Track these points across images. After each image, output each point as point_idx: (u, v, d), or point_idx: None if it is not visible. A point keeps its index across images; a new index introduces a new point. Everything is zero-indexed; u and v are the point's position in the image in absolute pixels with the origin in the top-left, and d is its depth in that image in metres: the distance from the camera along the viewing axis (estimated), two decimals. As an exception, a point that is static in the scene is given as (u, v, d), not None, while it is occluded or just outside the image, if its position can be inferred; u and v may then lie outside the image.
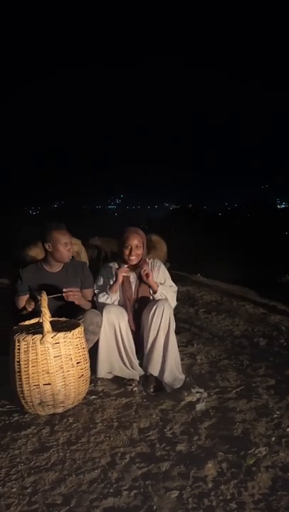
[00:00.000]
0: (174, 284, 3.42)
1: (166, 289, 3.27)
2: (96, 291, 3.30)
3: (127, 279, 3.30)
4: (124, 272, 3.20)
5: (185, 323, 4.79)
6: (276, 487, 2.11)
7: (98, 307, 3.20)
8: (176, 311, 3.50)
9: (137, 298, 3.29)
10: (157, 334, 3.12)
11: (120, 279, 3.19)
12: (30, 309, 3.09)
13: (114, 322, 3.10)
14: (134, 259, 3.26)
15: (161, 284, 3.29)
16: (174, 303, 3.31)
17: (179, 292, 3.76)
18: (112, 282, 3.25)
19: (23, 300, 3.15)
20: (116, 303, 3.25)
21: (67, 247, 3.16)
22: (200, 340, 4.23)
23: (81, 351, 2.79)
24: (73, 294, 3.07)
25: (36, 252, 5.25)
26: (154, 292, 3.24)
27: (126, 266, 3.24)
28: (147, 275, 3.15)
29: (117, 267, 3.34)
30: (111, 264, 3.40)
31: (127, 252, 3.25)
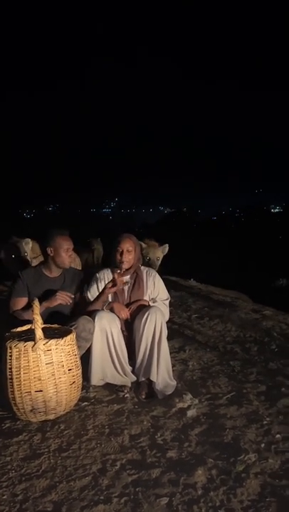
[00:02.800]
0: (167, 295, 3.46)
1: (158, 306, 3.31)
2: (89, 298, 3.33)
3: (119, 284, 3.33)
4: (112, 289, 3.19)
5: (178, 329, 4.82)
6: (265, 493, 2.13)
7: (90, 313, 3.23)
8: (169, 317, 3.53)
9: (129, 304, 3.32)
10: (150, 341, 3.15)
11: (107, 292, 3.20)
12: (28, 317, 3.11)
13: (106, 328, 3.12)
14: (125, 264, 3.29)
15: (153, 298, 3.36)
16: (167, 315, 3.36)
17: (172, 297, 3.79)
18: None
19: (21, 302, 3.20)
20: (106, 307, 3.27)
21: (69, 252, 3.27)
22: (192, 346, 4.26)
23: (73, 358, 2.81)
24: (64, 298, 3.12)
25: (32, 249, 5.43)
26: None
27: (118, 271, 3.26)
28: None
29: (109, 273, 3.38)
30: (104, 271, 3.43)
31: (118, 255, 3.29)
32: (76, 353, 2.88)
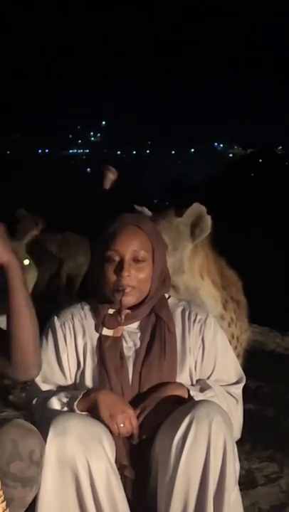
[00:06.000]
0: (238, 374, 1.49)
1: (215, 399, 1.36)
2: (38, 385, 1.44)
3: (114, 343, 1.42)
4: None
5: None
6: None
7: (39, 417, 1.35)
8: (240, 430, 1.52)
9: (139, 395, 1.37)
10: (194, 492, 1.25)
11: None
12: None
13: (76, 462, 1.21)
14: (128, 294, 1.38)
15: (201, 380, 1.43)
16: (237, 426, 1.42)
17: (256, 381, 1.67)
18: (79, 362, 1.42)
19: None
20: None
21: None
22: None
23: None
24: None
25: None
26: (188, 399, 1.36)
27: (115, 314, 1.39)
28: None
29: (90, 317, 1.47)
30: (75, 311, 1.52)
31: (111, 273, 1.39)
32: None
